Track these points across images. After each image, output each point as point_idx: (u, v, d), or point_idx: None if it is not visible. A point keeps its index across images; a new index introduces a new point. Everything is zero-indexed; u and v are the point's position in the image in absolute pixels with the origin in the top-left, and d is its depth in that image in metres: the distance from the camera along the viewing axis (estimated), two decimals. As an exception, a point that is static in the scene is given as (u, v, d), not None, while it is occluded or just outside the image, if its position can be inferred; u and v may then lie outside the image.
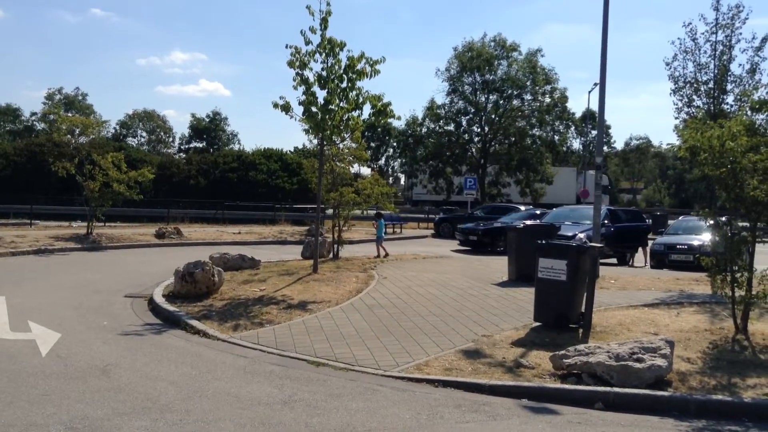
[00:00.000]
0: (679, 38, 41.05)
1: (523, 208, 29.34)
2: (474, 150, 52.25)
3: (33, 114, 78.34)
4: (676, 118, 33.39)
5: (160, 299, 11.14)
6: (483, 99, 50.51)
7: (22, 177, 39.07)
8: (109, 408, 5.72)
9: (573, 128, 59.34)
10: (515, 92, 49.83)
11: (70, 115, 26.08)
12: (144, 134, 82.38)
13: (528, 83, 49.48)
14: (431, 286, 12.55)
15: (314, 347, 8.14)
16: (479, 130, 51.66)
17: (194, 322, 9.48)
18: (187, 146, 79.71)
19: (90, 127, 22.84)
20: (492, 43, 49.51)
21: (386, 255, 17.69)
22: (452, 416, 5.88)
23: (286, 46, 12.32)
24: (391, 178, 78.03)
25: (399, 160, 75.21)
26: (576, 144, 71.46)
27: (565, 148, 59.74)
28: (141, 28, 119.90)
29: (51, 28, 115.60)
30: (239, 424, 5.41)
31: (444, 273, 14.38)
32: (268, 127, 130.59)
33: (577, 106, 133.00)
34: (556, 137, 54.55)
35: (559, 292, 9.01)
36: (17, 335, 8.46)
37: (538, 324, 9.24)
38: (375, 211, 20.04)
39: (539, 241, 9.67)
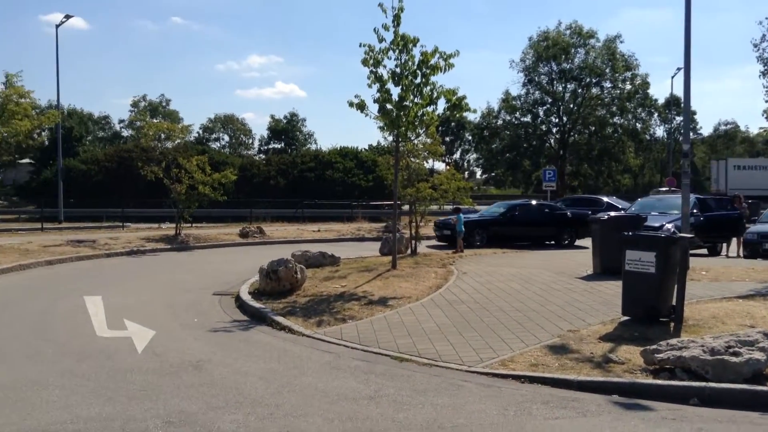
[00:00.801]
0: (767, 17, 38.90)
1: (605, 199, 28.49)
2: (552, 141, 51.22)
3: (121, 121, 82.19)
4: (767, 101, 31.65)
5: (246, 296, 11.45)
6: (560, 88, 49.49)
7: (113, 182, 41.03)
8: (202, 402, 5.92)
9: (656, 115, 57.25)
10: (594, 80, 48.60)
11: (155, 121, 27.10)
12: (225, 137, 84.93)
13: (607, 70, 48.14)
14: (512, 280, 12.38)
15: (397, 343, 8.18)
16: (557, 120, 50.66)
17: (279, 319, 9.69)
18: (266, 147, 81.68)
19: (175, 132, 23.77)
20: (568, 31, 48.44)
21: (461, 250, 17.57)
22: (540, 412, 5.78)
23: (360, 45, 12.44)
24: (466, 173, 77.42)
25: (474, 154, 74.67)
26: (660, 131, 68.91)
27: (648, 136, 57.67)
28: (219, 34, 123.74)
29: (134, 38, 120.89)
30: (327, 419, 5.50)
31: (525, 267, 14.16)
32: (343, 126, 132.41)
33: (659, 92, 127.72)
34: (639, 125, 52.78)
35: (648, 284, 8.71)
36: (114, 333, 8.87)
37: (626, 318, 8.97)
38: (453, 207, 20.02)
39: (625, 233, 9.37)
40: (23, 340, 8.44)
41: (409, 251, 16.98)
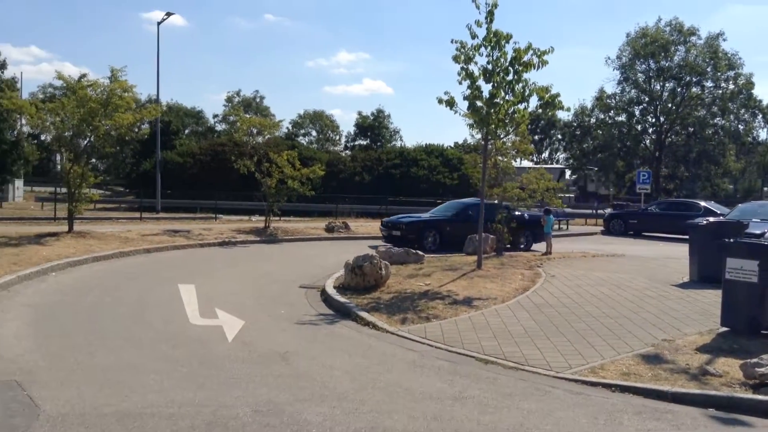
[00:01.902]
0: None
1: (703, 204, 27.18)
2: (647, 142, 49.34)
3: (215, 116, 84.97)
4: None
5: (331, 290, 11.60)
6: (658, 87, 47.61)
7: (206, 174, 42.55)
8: (290, 393, 6.03)
9: (760, 116, 54.06)
10: (694, 79, 46.47)
11: (248, 116, 27.89)
12: (313, 133, 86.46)
13: (708, 69, 45.93)
14: (603, 285, 11.99)
15: (482, 344, 8.07)
16: (653, 120, 48.74)
17: (364, 314, 9.75)
18: (352, 144, 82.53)
19: (267, 127, 24.40)
20: (668, 28, 46.51)
21: (549, 252, 17.18)
22: (632, 423, 5.56)
23: (452, 41, 12.32)
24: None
25: (564, 153, 72.97)
26: (763, 134, 65.19)
27: (751, 139, 54.59)
28: (310, 30, 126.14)
29: (229, 35, 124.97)
30: (412, 417, 5.48)
31: (616, 272, 13.69)
32: (428, 123, 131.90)
33: (764, 92, 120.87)
34: (741, 127, 50.05)
35: (750, 294, 8.23)
36: (206, 321, 9.18)
37: (725, 329, 8.51)
38: (543, 207, 19.51)
39: (726, 240, 8.89)
40: (122, 324, 8.86)
41: (494, 252, 16.74)
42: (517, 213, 19.84)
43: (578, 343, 8.13)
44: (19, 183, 45.49)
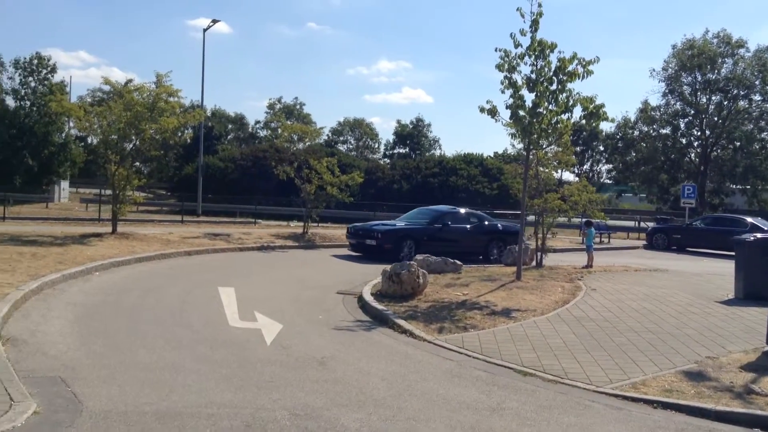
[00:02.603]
0: None
1: (749, 219, 26.49)
2: (692, 155, 48.31)
3: (257, 122, 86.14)
4: None
5: (368, 297, 11.60)
6: (704, 100, 46.60)
7: (247, 180, 43.07)
8: (327, 398, 6.04)
9: (811, 132, 52.52)
10: (742, 92, 45.38)
11: (290, 123, 28.24)
12: (352, 140, 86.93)
13: (757, 82, 44.81)
14: (645, 300, 11.76)
15: (520, 356, 7.97)
16: (699, 133, 47.71)
17: (401, 322, 9.72)
18: (390, 152, 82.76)
19: (309, 134, 24.64)
20: (715, 40, 45.55)
21: (590, 266, 16.90)
22: (675, 442, 5.42)
23: (496, 50, 12.26)
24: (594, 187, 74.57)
25: (606, 165, 71.95)
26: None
27: (801, 154, 53.07)
28: (351, 39, 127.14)
29: (272, 42, 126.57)
30: (449, 426, 5.43)
31: (659, 287, 13.41)
32: (467, 132, 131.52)
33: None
34: (790, 142, 48.66)
35: (802, 314, 7.98)
36: (245, 324, 9.26)
37: (773, 349, 8.26)
38: (584, 219, 19.21)
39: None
40: (163, 324, 8.99)
41: (533, 263, 16.56)
42: (486, 223, 19.77)
43: (619, 357, 7.97)
44: (64, 184, 46.67)
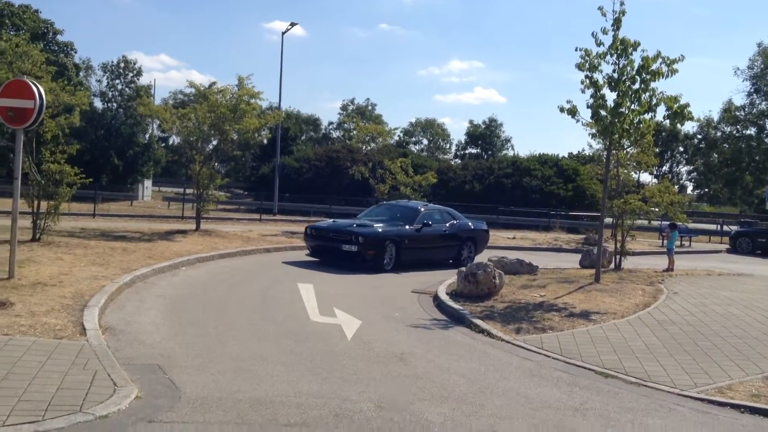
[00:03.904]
0: None
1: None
2: (779, 157, 46.14)
3: (330, 123, 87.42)
4: None
5: (444, 296, 11.68)
6: (792, 99, 44.41)
7: (321, 179, 43.80)
8: (410, 393, 6.18)
9: None
10: (833, 90, 43.03)
11: (364, 124, 28.62)
12: (424, 141, 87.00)
13: None
14: (730, 305, 11.40)
15: (601, 358, 7.90)
16: (786, 134, 45.51)
17: (478, 321, 9.77)
18: (462, 152, 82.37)
19: (383, 135, 24.93)
20: (806, 35, 43.28)
21: (671, 269, 16.45)
22: (767, 449, 5.30)
23: (576, 49, 12.12)
24: (676, 186, 72.13)
25: (686, 167, 69.46)
26: None
27: None
28: (423, 39, 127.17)
29: (345, 44, 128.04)
30: (532, 425, 5.48)
31: (745, 292, 12.96)
32: (541, 133, 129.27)
33: None
34: None
35: None
36: (325, 319, 9.50)
37: None
38: (668, 222, 18.68)
39: None
40: (248, 318, 9.34)
41: (612, 266, 16.24)
42: (460, 222, 17.52)
43: (704, 361, 7.81)
44: (148, 183, 48.63)
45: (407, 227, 15.99)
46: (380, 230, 15.53)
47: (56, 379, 5.62)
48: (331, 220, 16.19)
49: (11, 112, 9.51)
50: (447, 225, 17.06)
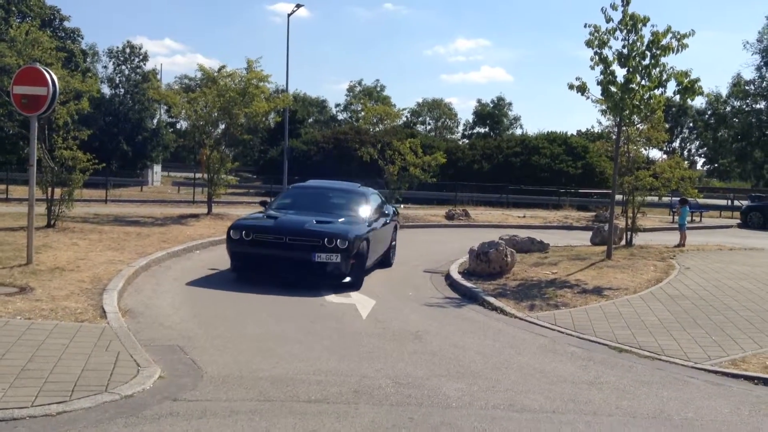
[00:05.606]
0: None
1: None
2: (790, 130, 45.82)
3: (337, 105, 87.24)
4: None
5: (456, 275, 11.76)
6: (803, 72, 43.99)
7: (329, 162, 43.74)
8: (426, 369, 6.28)
9: None
10: None
11: (372, 105, 28.61)
12: (431, 121, 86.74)
13: None
14: (742, 279, 11.43)
15: (614, 333, 7.98)
16: (797, 107, 45.15)
17: (491, 299, 9.85)
18: (470, 132, 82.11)
19: (391, 116, 24.90)
20: (817, 7, 42.78)
21: (683, 244, 16.46)
22: (780, 418, 5.37)
23: (585, 25, 12.07)
24: (686, 162, 71.77)
25: (696, 143, 69.08)
26: None
27: None
28: (428, 18, 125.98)
29: (349, 25, 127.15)
30: (549, 398, 5.57)
31: (757, 266, 12.98)
32: (549, 110, 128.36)
33: None
34: None
35: None
36: (340, 299, 9.60)
37: None
38: (678, 198, 18.66)
39: None
40: (264, 298, 9.43)
41: (623, 242, 16.26)
42: (388, 206, 13.97)
43: (717, 335, 7.88)
44: (157, 168, 48.78)
45: (364, 224, 11.32)
46: (363, 230, 10.90)
47: (80, 360, 5.74)
48: (261, 213, 11.82)
49: (25, 99, 9.59)
50: (389, 213, 13.32)
